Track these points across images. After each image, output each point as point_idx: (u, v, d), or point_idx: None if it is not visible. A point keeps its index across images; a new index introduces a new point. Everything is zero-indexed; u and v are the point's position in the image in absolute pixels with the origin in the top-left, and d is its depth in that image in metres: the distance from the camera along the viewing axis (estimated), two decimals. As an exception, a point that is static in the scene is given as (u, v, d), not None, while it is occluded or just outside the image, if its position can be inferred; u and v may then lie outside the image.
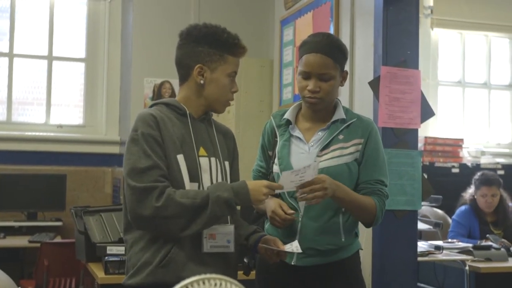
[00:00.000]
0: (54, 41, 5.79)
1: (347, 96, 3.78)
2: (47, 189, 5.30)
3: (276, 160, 2.44)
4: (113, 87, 5.76)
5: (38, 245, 4.36)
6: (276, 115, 2.53)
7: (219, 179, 2.18)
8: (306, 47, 2.40)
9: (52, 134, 5.63)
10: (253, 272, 2.75)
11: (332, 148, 2.37)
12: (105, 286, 3.14)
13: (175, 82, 5.39)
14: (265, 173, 2.50)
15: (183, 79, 2.22)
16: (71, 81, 5.86)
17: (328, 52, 2.34)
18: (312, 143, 2.41)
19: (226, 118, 5.08)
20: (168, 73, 5.37)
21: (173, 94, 5.38)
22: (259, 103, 5.06)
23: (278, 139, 2.46)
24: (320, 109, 2.41)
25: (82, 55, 5.86)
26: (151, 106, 2.22)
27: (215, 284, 1.59)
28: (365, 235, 3.35)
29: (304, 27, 4.57)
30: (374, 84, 3.49)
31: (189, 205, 1.99)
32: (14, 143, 5.46)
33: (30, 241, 4.68)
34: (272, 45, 5.30)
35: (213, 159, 2.18)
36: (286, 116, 2.47)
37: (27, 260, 4.86)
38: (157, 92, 5.35)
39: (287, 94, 4.81)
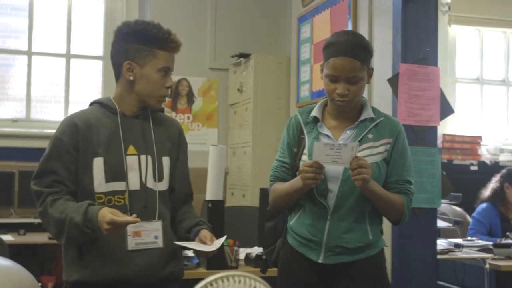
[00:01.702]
0: (72, 39, 5.82)
1: (365, 93, 3.75)
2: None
3: (305, 158, 2.42)
4: (130, 84, 5.76)
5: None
6: (303, 112, 2.52)
7: (150, 176, 2.18)
8: (332, 49, 2.36)
9: (70, 131, 5.65)
10: (270, 270, 2.77)
11: (362, 147, 2.36)
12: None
13: (192, 80, 5.44)
14: (289, 169, 2.48)
15: (116, 76, 2.24)
16: (89, 79, 5.89)
17: (355, 54, 2.32)
18: (341, 142, 2.40)
19: (244, 116, 5.09)
20: (185, 71, 5.40)
21: (190, 92, 5.40)
22: (276, 100, 5.06)
23: (305, 136, 2.45)
24: (348, 109, 2.41)
25: (100, 52, 5.89)
26: (90, 105, 2.27)
27: (239, 281, 1.59)
28: (384, 232, 3.34)
29: (322, 25, 4.56)
30: (393, 82, 3.48)
31: (56, 219, 2.06)
32: (33, 140, 5.48)
33: (50, 238, 4.71)
34: (289, 43, 5.29)
35: (143, 156, 2.18)
36: (313, 113, 2.46)
37: (46, 256, 4.89)
38: (174, 90, 5.37)
39: (305, 91, 4.81)
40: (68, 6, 5.80)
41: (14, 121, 5.61)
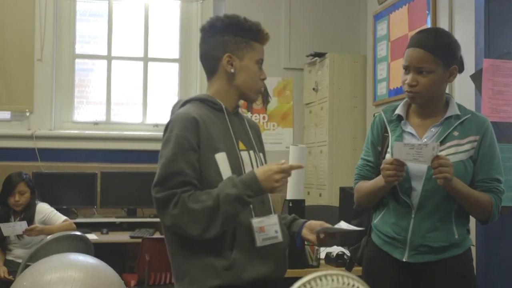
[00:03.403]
0: (149, 43, 5.95)
1: (447, 90, 3.69)
2: (145, 186, 5.40)
3: (389, 156, 2.40)
4: (206, 86, 5.83)
5: (140, 240, 4.49)
6: (387, 110, 2.51)
7: None
8: (410, 42, 2.39)
9: (148, 133, 5.79)
10: (355, 268, 2.76)
11: (447, 144, 2.33)
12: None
13: (268, 80, 5.41)
14: (373, 167, 2.47)
15: (211, 72, 2.19)
16: (166, 81, 6.00)
17: (429, 47, 2.31)
18: (425, 139, 2.37)
19: (319, 115, 5.08)
20: (261, 71, 5.43)
21: (265, 92, 5.43)
22: (352, 99, 5.03)
23: (389, 134, 2.43)
24: (420, 103, 2.38)
25: (176, 55, 5.99)
26: (184, 103, 2.17)
27: (332, 280, 1.59)
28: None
29: (399, 22, 4.50)
30: (476, 78, 3.40)
31: (201, 210, 1.95)
32: (114, 142, 5.65)
33: (131, 237, 4.83)
34: (364, 41, 5.25)
35: (251, 152, 2.17)
36: (397, 111, 2.45)
37: (128, 255, 5.02)
38: (250, 90, 5.40)
39: (382, 89, 4.75)
40: (145, 10, 5.93)
41: (95, 124, 5.78)
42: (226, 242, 2.01)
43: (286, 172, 2.01)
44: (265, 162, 2.28)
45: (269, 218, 2.08)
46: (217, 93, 2.18)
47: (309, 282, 1.56)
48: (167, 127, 2.07)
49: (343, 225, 2.23)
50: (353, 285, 1.58)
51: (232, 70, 2.13)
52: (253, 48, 2.16)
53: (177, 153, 2.00)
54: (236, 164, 2.08)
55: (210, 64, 2.18)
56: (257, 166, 2.14)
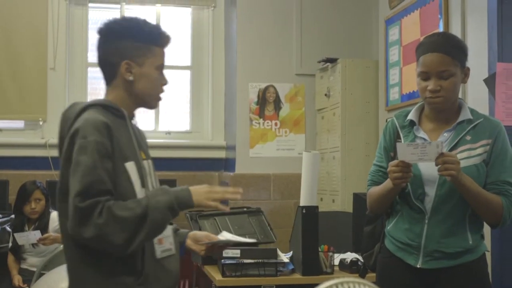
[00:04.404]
0: (161, 50, 5.96)
1: (460, 94, 3.67)
2: (158, 194, 5.46)
3: None
4: (218, 93, 5.87)
5: (154, 248, 4.49)
6: (399, 115, 2.50)
7: (155, 182, 2.08)
8: (422, 48, 2.38)
9: (161, 140, 5.80)
10: (369, 275, 2.74)
11: (460, 149, 2.33)
12: (222, 288, 3.20)
13: (279, 86, 5.46)
14: (386, 173, 2.47)
15: (109, 78, 2.05)
16: (178, 89, 6.02)
17: (446, 50, 2.32)
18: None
19: (332, 120, 5.07)
20: (273, 77, 5.44)
21: (277, 98, 5.43)
22: (365, 104, 5.01)
23: (402, 140, 2.43)
24: (444, 109, 2.37)
25: (188, 63, 6.01)
26: (83, 109, 1.97)
27: (349, 287, 1.59)
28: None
29: (411, 26, 4.49)
30: (490, 82, 3.38)
31: (130, 217, 1.84)
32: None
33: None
34: (376, 46, 5.24)
35: (150, 161, 2.09)
36: (410, 117, 2.44)
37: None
38: (262, 97, 5.41)
39: (394, 94, 4.74)
40: (156, 18, 5.96)
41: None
42: (137, 257, 1.92)
43: (220, 193, 1.97)
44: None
45: (166, 230, 2.00)
46: (115, 100, 2.03)
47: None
48: (77, 133, 1.89)
49: (227, 235, 2.21)
50: (367, 292, 1.57)
51: (131, 78, 2.01)
52: (153, 54, 2.04)
53: (96, 160, 1.86)
54: (142, 174, 1.98)
55: (108, 70, 2.05)
56: (154, 177, 2.07)
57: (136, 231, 1.85)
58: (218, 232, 3.56)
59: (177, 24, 6.04)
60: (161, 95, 2.11)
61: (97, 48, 2.06)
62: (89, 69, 5.84)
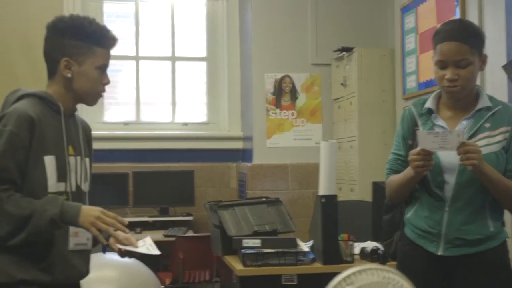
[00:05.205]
0: (176, 42, 5.98)
1: (478, 82, 3.66)
2: (176, 185, 5.51)
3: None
4: (234, 84, 5.88)
5: (173, 239, 4.53)
6: (417, 103, 2.50)
7: (82, 178, 2.16)
8: (439, 36, 2.37)
9: (178, 132, 5.83)
10: (388, 263, 2.75)
11: (479, 136, 2.33)
12: (243, 278, 3.21)
13: (296, 76, 5.47)
14: (404, 161, 2.47)
15: (51, 73, 2.16)
16: (194, 80, 6.04)
17: (463, 38, 2.31)
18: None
19: (348, 110, 5.07)
20: (289, 67, 5.44)
21: (293, 88, 5.43)
22: (381, 93, 5.00)
23: (420, 128, 2.43)
24: (461, 97, 2.36)
25: (203, 54, 6.02)
26: (22, 96, 2.11)
27: (372, 274, 1.60)
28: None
29: (427, 13, 4.47)
30: (509, 68, 3.36)
31: (16, 215, 1.93)
32: (144, 142, 5.70)
33: (165, 235, 4.87)
34: (392, 34, 5.22)
35: (78, 158, 2.15)
36: (427, 105, 2.44)
37: (162, 253, 5.05)
38: (278, 87, 5.41)
39: (411, 83, 4.73)
40: (171, 10, 5.97)
41: (125, 124, 5.83)
42: (39, 245, 2.01)
43: (108, 223, 1.98)
44: (89, 168, 2.27)
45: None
46: (54, 93, 2.14)
47: (348, 276, 1.58)
48: (1, 119, 2.02)
49: (147, 240, 2.19)
50: (393, 279, 1.59)
51: (69, 75, 2.11)
52: (94, 54, 2.12)
53: (7, 149, 1.97)
54: (62, 169, 2.07)
55: (49, 65, 2.16)
56: (81, 173, 2.15)
57: (18, 229, 1.94)
58: (238, 222, 3.59)
59: (192, 15, 6.05)
60: (101, 93, 2.19)
61: (44, 42, 2.16)
62: (105, 62, 5.87)
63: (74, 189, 2.12)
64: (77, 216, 1.97)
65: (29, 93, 2.11)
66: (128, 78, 5.93)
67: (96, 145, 5.78)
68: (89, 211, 1.98)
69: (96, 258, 3.73)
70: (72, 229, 2.07)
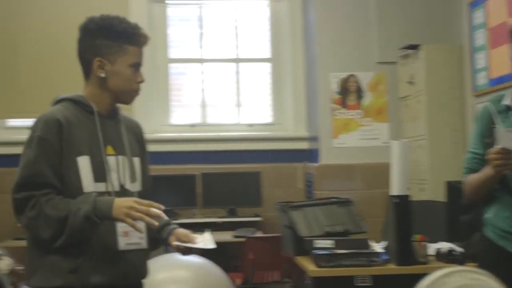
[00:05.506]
0: (240, 44, 6.02)
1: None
2: (244, 186, 5.55)
3: None
4: (299, 84, 5.87)
5: (243, 239, 4.56)
6: (494, 100, 2.46)
7: (127, 177, 2.16)
8: None
9: (244, 133, 5.86)
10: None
11: None
12: (317, 279, 3.21)
13: (361, 75, 5.42)
14: (482, 160, 2.42)
15: (86, 74, 2.19)
16: (258, 81, 6.06)
17: None
18: None
19: (416, 108, 5.00)
20: (353, 66, 5.40)
21: (359, 88, 5.40)
22: (450, 90, 4.90)
23: (499, 126, 2.38)
24: None
25: (268, 55, 6.04)
26: (57, 102, 2.18)
27: (460, 276, 1.58)
28: None
29: (497, 7, 4.37)
30: None
31: (55, 217, 1.97)
32: (211, 143, 5.76)
33: (235, 236, 4.90)
34: (459, 30, 5.11)
35: (120, 157, 2.15)
36: (505, 101, 2.39)
37: (232, 254, 5.09)
38: (343, 86, 5.38)
39: (482, 79, 4.62)
40: (234, 12, 6.01)
41: (192, 126, 5.91)
42: (76, 246, 2.03)
43: (143, 211, 1.97)
44: (145, 166, 2.28)
45: (138, 224, 2.04)
46: (90, 95, 2.18)
47: (437, 280, 1.56)
48: (33, 126, 2.09)
49: (206, 239, 2.20)
50: (483, 281, 1.56)
51: (103, 75, 2.14)
52: (126, 52, 2.14)
53: (39, 155, 2.02)
54: (99, 169, 2.09)
55: (84, 66, 2.19)
56: (124, 172, 2.15)
57: (60, 231, 1.98)
58: (308, 223, 3.59)
59: (255, 17, 6.08)
60: (137, 91, 2.21)
61: (77, 44, 2.20)
62: (170, 65, 5.96)
63: (117, 189, 2.13)
64: (110, 209, 1.98)
65: (63, 98, 2.18)
66: (193, 81, 6.00)
67: (163, 147, 5.90)
68: (122, 203, 1.99)
69: (169, 259, 3.81)
70: (120, 228, 2.09)
